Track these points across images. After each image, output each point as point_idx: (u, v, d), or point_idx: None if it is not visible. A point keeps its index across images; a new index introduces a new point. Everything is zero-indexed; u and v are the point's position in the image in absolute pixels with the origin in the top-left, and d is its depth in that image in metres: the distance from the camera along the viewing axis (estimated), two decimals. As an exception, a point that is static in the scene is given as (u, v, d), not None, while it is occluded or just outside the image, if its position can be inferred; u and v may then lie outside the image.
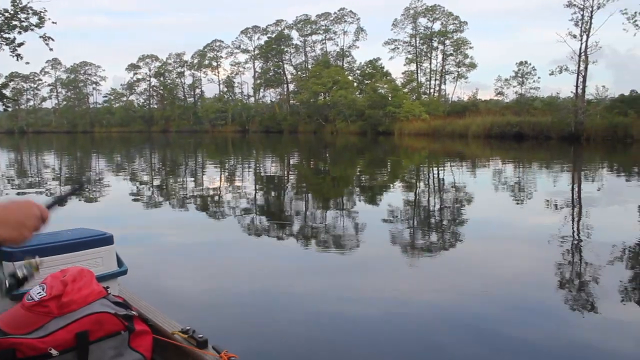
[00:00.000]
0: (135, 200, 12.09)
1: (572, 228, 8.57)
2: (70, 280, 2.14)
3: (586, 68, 43.26)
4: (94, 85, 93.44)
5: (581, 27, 42.70)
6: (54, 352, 1.95)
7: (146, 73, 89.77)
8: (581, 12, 42.57)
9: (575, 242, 7.52)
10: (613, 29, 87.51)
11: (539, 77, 56.89)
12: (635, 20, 38.79)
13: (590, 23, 42.37)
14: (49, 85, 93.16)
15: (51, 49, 22.92)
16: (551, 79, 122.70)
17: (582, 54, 42.79)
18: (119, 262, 3.03)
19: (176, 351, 2.22)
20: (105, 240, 2.93)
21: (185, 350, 2.17)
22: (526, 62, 56.44)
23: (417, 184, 15.52)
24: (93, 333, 2.05)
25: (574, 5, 42.72)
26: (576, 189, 13.96)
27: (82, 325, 2.03)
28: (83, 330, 2.02)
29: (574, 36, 43.03)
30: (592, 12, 42.36)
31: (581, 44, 42.94)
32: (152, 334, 2.26)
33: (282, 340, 4.03)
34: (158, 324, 2.36)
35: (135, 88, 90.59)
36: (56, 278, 2.17)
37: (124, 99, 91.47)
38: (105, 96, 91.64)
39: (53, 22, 22.56)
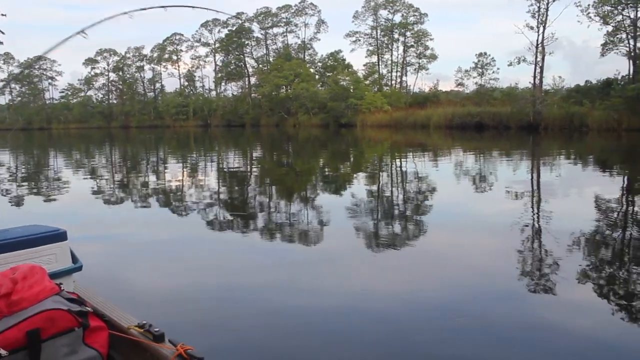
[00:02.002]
0: (95, 196, 11.85)
1: (533, 215, 8.75)
2: (20, 278, 2.08)
3: (543, 59, 44.34)
4: (49, 81, 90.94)
5: (538, 19, 43.76)
6: (2, 352, 1.89)
7: (104, 68, 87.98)
8: (537, 4, 43.57)
9: (536, 228, 7.67)
10: (570, 20, 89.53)
11: (498, 68, 57.76)
12: (589, 12, 39.90)
13: (547, 15, 43.46)
14: (1, 80, 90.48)
15: (1, 43, 22.25)
16: (510, 69, 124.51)
17: (539, 45, 43.79)
18: (74, 259, 2.96)
19: (132, 345, 2.19)
20: (58, 236, 2.86)
21: (141, 344, 2.14)
22: (485, 54, 57.27)
23: (380, 175, 15.62)
24: (45, 331, 2.00)
25: (531, -4, 43.67)
26: (535, 177, 14.26)
27: (33, 323, 1.97)
28: (34, 329, 1.96)
29: (531, 28, 44.08)
30: (548, 3, 43.42)
31: (538, 35, 44.02)
32: (107, 330, 2.21)
33: (242, 333, 4.00)
34: (114, 319, 2.32)
35: (94, 83, 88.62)
36: (5, 276, 2.10)
37: (82, 94, 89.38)
38: (62, 92, 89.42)
39: (2, 15, 21.89)
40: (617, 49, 40.81)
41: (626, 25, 39.80)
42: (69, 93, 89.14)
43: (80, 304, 2.17)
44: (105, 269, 5.51)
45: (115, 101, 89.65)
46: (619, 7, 39.46)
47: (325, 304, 4.65)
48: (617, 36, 40.54)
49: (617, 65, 48.73)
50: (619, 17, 39.94)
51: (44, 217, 8.43)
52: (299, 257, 6.38)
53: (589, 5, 40.08)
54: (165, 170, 18.19)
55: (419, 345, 3.80)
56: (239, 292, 4.95)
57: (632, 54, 39.41)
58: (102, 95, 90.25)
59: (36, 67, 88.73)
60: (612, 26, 40.32)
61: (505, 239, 6.92)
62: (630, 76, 39.17)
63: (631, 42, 39.71)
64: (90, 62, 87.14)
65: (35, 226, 2.94)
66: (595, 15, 39.97)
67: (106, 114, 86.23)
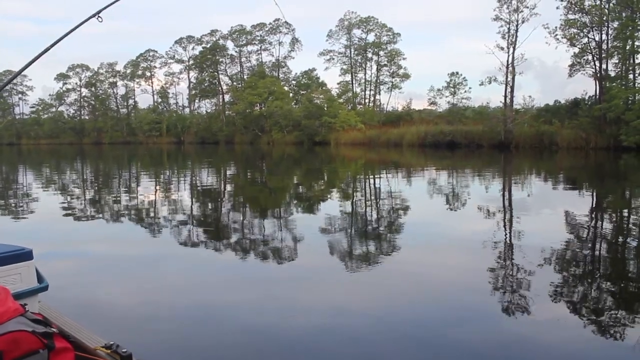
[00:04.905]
0: (63, 214, 11.62)
1: (505, 233, 8.84)
2: (-18, 299, 2.02)
3: (513, 79, 45.39)
4: (20, 95, 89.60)
5: (507, 40, 44.79)
6: (-37, 375, 1.83)
7: (76, 83, 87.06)
8: (507, 26, 44.60)
9: (508, 246, 7.75)
10: (540, 41, 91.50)
11: (470, 88, 58.42)
12: (556, 35, 40.93)
13: (516, 36, 44.59)
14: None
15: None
16: (481, 89, 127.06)
17: (509, 65, 44.73)
18: (40, 278, 2.89)
19: None
20: (23, 255, 2.79)
21: None
22: (457, 73, 58.15)
23: (354, 193, 15.66)
24: (8, 353, 1.94)
25: (501, 19, 44.75)
26: (507, 196, 14.45)
27: (-5, 346, 1.91)
28: (-4, 351, 1.91)
29: (502, 48, 45.05)
30: (517, 25, 44.48)
31: (508, 55, 44.98)
32: (74, 351, 2.16)
33: (212, 353, 3.95)
34: (80, 340, 2.27)
35: (65, 98, 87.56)
36: (-33, 297, 2.04)
37: (53, 109, 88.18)
38: (33, 107, 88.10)
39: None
40: (584, 70, 41.91)
41: (592, 47, 40.89)
42: (40, 108, 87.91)
43: (45, 325, 2.11)
44: (73, 289, 5.40)
45: (87, 117, 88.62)
46: (584, 30, 40.55)
47: (300, 322, 4.62)
48: (584, 57, 41.60)
49: (587, 86, 49.99)
50: (585, 40, 41.06)
51: (10, 236, 8.25)
52: (272, 275, 6.33)
53: (556, 27, 41.18)
54: (137, 188, 17.98)
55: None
56: (210, 311, 4.89)
57: (598, 75, 40.42)
58: (73, 111, 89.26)
59: (6, 81, 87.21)
60: (579, 48, 41.39)
61: (479, 257, 6.97)
62: (597, 97, 40.13)
63: (597, 63, 40.77)
64: (61, 77, 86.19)
65: None
66: (562, 37, 41.03)
67: (78, 130, 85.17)
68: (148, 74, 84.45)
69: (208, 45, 79.29)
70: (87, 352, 2.20)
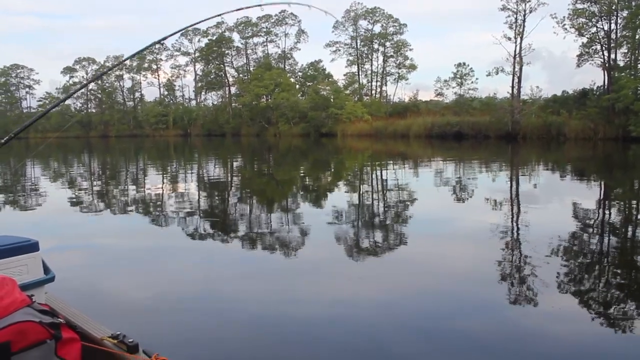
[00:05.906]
0: (70, 206, 11.68)
1: (512, 224, 8.81)
2: (-11, 289, 2.03)
3: (521, 69, 45.10)
4: (27, 89, 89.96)
5: (515, 30, 44.47)
6: (-29, 366, 1.84)
7: (83, 76, 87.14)
8: (514, 16, 44.29)
9: (515, 237, 7.73)
10: (548, 31, 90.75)
11: (477, 78, 58.07)
12: (564, 24, 40.64)
13: (524, 26, 44.29)
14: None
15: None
16: (488, 79, 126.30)
17: (517, 55, 44.46)
18: (46, 270, 2.90)
19: (106, 357, 2.15)
20: (30, 247, 2.80)
21: (115, 355, 2.11)
22: (464, 64, 57.82)
23: (361, 185, 15.64)
24: (15, 344, 1.94)
25: (508, 8, 44.44)
26: (515, 186, 14.38)
27: (3, 337, 1.92)
28: (4, 342, 1.91)
29: (509, 39, 44.76)
30: (524, 15, 44.15)
31: (515, 46, 44.70)
32: (80, 341, 2.17)
33: (219, 343, 3.96)
34: (87, 330, 2.27)
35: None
36: (-26, 288, 2.05)
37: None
38: (40, 100, 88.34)
39: None
40: (592, 60, 41.61)
41: (600, 37, 40.57)
42: (47, 102, 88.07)
43: (52, 316, 2.12)
44: (79, 280, 5.43)
45: (94, 110, 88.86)
46: (593, 20, 40.23)
47: (307, 313, 4.62)
48: (592, 47, 41.30)
49: (595, 76, 49.53)
50: (594, 29, 40.74)
51: (16, 228, 8.29)
52: (279, 267, 6.34)
53: (564, 17, 40.88)
54: (144, 180, 18.02)
55: (399, 356, 3.79)
56: (216, 302, 4.90)
57: (607, 65, 40.12)
58: (80, 104, 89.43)
59: (13, 75, 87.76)
60: (587, 38, 41.08)
61: (485, 248, 6.96)
62: (605, 87, 39.85)
63: (605, 53, 40.46)
64: (68, 70, 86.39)
65: (5, 237, 2.88)
66: (570, 27, 40.73)
67: (85, 123, 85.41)
68: (154, 66, 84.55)
69: (214, 38, 79.18)
70: (94, 342, 2.20)
